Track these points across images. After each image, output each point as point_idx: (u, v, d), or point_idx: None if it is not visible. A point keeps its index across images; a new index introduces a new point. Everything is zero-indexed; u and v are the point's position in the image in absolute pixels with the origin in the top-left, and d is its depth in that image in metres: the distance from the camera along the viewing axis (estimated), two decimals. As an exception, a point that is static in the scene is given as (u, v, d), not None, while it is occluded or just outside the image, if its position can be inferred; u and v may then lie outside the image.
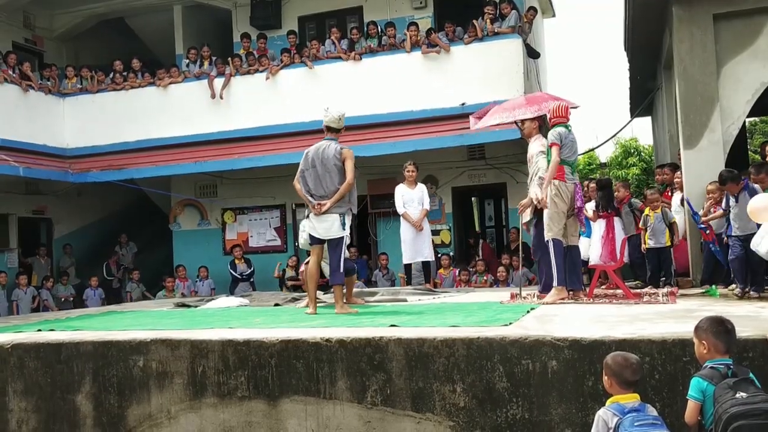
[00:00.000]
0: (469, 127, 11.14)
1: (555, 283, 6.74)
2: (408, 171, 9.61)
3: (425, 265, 9.67)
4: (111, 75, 13.70)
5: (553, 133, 6.82)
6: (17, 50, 14.07)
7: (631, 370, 3.47)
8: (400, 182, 9.83)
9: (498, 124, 8.76)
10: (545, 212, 6.84)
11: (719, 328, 3.51)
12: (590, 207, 8.53)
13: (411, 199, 9.52)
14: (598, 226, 8.33)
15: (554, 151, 6.74)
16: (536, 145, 7.33)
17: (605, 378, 3.59)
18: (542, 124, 7.57)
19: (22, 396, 5.38)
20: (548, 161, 6.86)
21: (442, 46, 11.59)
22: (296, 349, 4.75)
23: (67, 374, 5.28)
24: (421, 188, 9.70)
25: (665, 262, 8.00)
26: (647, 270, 8.26)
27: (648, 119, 16.03)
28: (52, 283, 13.29)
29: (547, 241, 6.80)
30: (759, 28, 7.96)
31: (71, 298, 13.48)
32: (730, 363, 3.44)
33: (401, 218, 9.52)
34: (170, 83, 13.18)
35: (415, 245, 9.43)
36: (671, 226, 8.02)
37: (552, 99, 7.89)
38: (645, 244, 8.18)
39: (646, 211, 8.18)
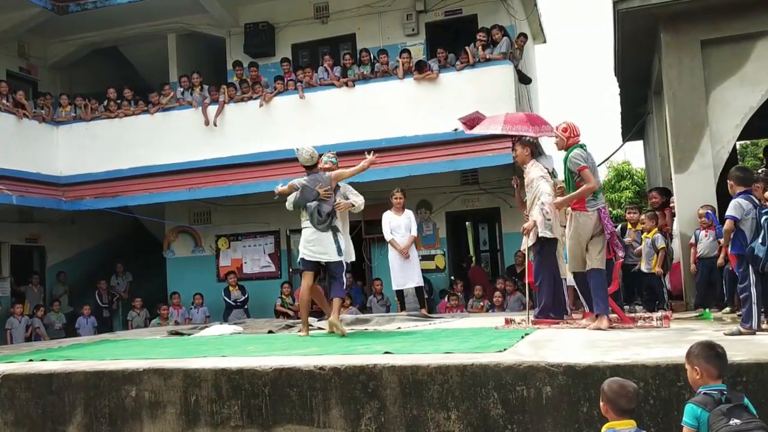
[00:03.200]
0: (461, 153, 11.30)
1: (597, 311, 6.29)
2: (396, 198, 9.65)
3: (417, 290, 9.67)
4: (105, 103, 13.75)
5: (576, 156, 6.27)
6: (11, 79, 14.13)
7: (626, 399, 3.43)
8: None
9: (493, 141, 8.67)
10: (567, 245, 6.47)
11: (710, 352, 3.50)
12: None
13: (398, 225, 9.55)
14: None
15: (586, 174, 6.15)
16: (536, 170, 7.19)
17: (602, 404, 3.57)
18: (534, 150, 7.57)
19: (13, 427, 5.32)
20: (567, 186, 6.50)
21: (428, 76, 11.72)
22: (290, 377, 4.72)
23: (59, 405, 5.22)
24: (408, 215, 9.72)
25: (656, 286, 8.02)
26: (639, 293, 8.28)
27: (640, 143, 16.16)
28: (43, 311, 13.19)
29: (587, 270, 6.33)
30: (746, 53, 8.07)
31: (58, 327, 13.30)
32: (723, 389, 3.43)
33: (389, 245, 9.56)
34: (167, 102, 13.21)
35: (403, 271, 9.44)
36: (659, 252, 8.03)
37: (546, 123, 7.88)
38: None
39: (645, 234, 8.21)
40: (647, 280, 8.15)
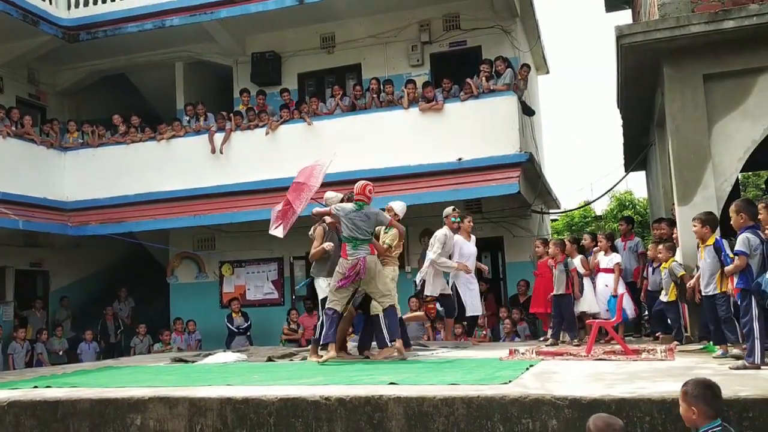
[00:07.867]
0: (465, 182, 11.39)
1: (324, 340, 7.18)
2: (469, 221, 9.67)
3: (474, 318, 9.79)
4: (114, 130, 13.87)
5: (338, 206, 7.41)
6: (21, 105, 14.30)
7: None
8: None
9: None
10: (331, 284, 7.31)
11: (708, 393, 3.47)
12: (577, 262, 8.67)
13: (471, 253, 9.43)
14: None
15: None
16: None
17: None
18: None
19: (17, 455, 5.32)
20: None
21: (433, 107, 11.84)
22: (295, 407, 4.73)
23: (64, 433, 5.22)
24: (473, 240, 9.68)
25: (674, 317, 7.89)
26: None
27: (642, 173, 16.21)
28: (46, 336, 13.18)
29: (328, 309, 7.21)
30: (748, 87, 8.14)
31: (61, 352, 13.27)
32: (719, 424, 3.43)
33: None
34: (172, 136, 13.36)
35: (474, 297, 9.41)
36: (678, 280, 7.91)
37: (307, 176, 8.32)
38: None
39: (663, 264, 8.07)
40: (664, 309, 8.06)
